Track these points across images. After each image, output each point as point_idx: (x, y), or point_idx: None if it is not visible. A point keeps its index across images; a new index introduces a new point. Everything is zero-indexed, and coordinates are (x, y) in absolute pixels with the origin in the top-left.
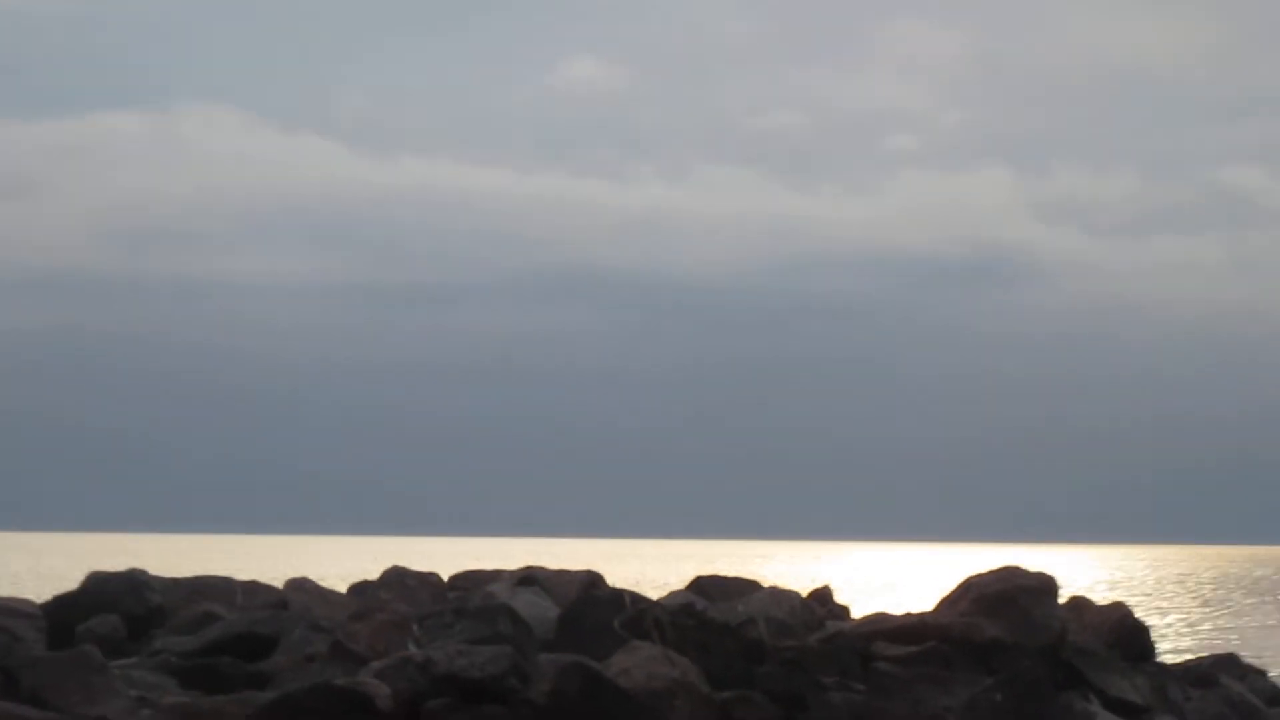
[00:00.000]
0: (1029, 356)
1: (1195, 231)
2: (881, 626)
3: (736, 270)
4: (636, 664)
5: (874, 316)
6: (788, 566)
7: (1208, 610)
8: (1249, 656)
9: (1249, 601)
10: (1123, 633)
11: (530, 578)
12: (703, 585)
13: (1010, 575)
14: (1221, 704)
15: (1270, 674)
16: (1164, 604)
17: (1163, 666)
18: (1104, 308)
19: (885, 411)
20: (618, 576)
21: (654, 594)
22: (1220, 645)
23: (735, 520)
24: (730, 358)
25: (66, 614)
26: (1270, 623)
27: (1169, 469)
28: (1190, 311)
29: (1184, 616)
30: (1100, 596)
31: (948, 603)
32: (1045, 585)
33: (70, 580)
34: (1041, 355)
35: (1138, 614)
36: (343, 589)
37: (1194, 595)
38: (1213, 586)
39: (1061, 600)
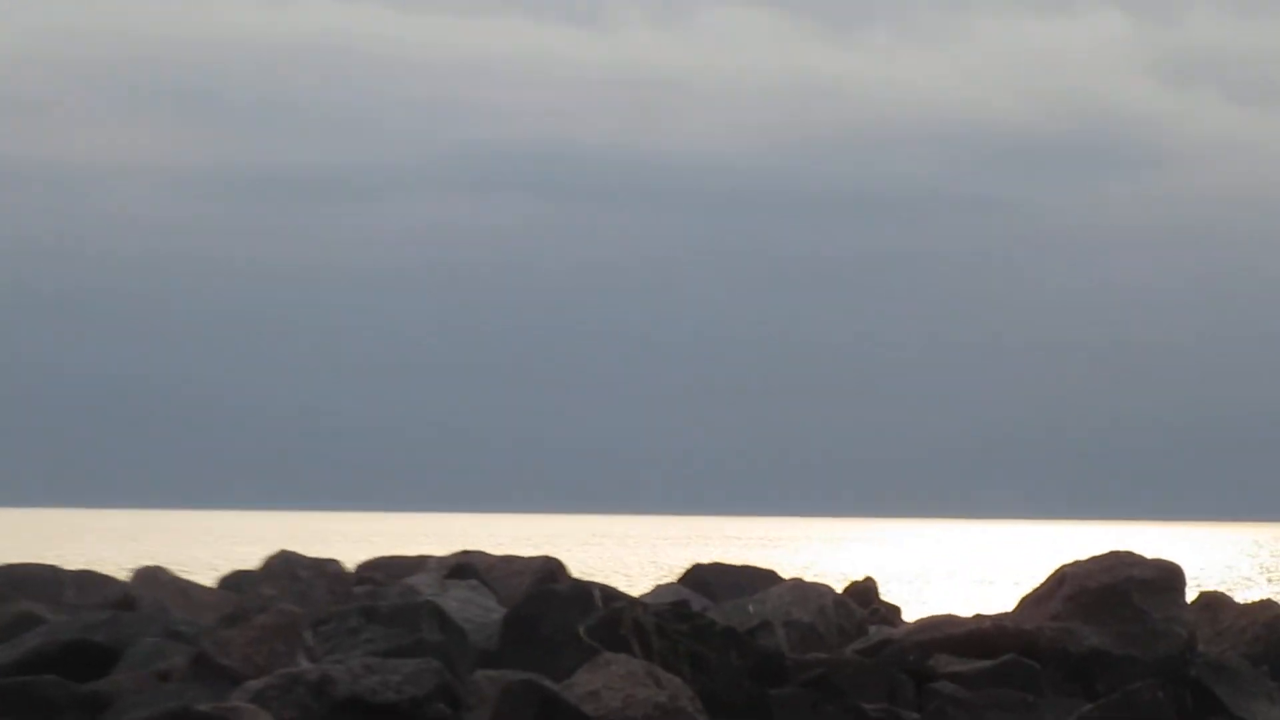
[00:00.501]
0: (1151, 265)
1: None
2: (943, 634)
3: (753, 150)
4: (609, 684)
5: (941, 211)
6: (812, 551)
7: None
8: None
9: None
10: (1273, 641)
11: (466, 566)
12: (702, 577)
13: (1119, 563)
14: None
15: None
16: None
17: None
18: (1258, 199)
19: (941, 336)
20: (585, 564)
21: (635, 589)
22: None
23: (742, 491)
24: (744, 264)
25: None
26: None
27: None
28: None
29: None
30: (1240, 591)
31: (1033, 600)
32: (1168, 577)
33: None
34: (1169, 263)
35: None
36: (211, 581)
37: None
38: None
39: (1189, 597)
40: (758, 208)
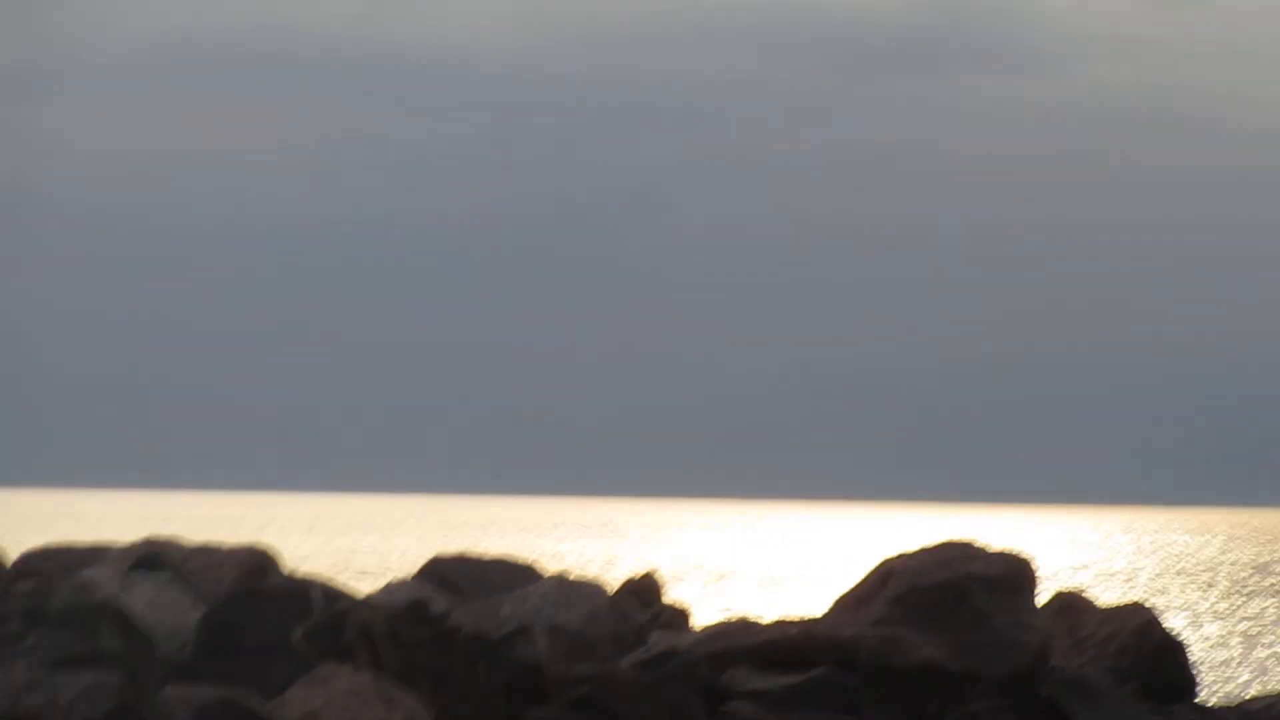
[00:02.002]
0: (1005, 186)
1: None
2: (741, 643)
3: (524, 46)
4: (330, 702)
5: (771, 115)
6: (584, 540)
7: (1265, 608)
8: None
9: None
10: (1143, 653)
11: (155, 557)
12: (444, 571)
13: (957, 557)
14: None
15: None
16: (1196, 598)
17: (1203, 710)
18: (1146, 107)
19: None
20: (314, 555)
21: (367, 586)
22: None
23: (499, 465)
24: (536, 179)
25: None
26: None
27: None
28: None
29: (1229, 620)
30: (1104, 590)
31: (851, 601)
32: (1015, 573)
33: None
34: (1025, 184)
35: (1166, 622)
36: None
37: (1238, 579)
38: (1253, 568)
39: (1042, 598)
40: (533, 110)
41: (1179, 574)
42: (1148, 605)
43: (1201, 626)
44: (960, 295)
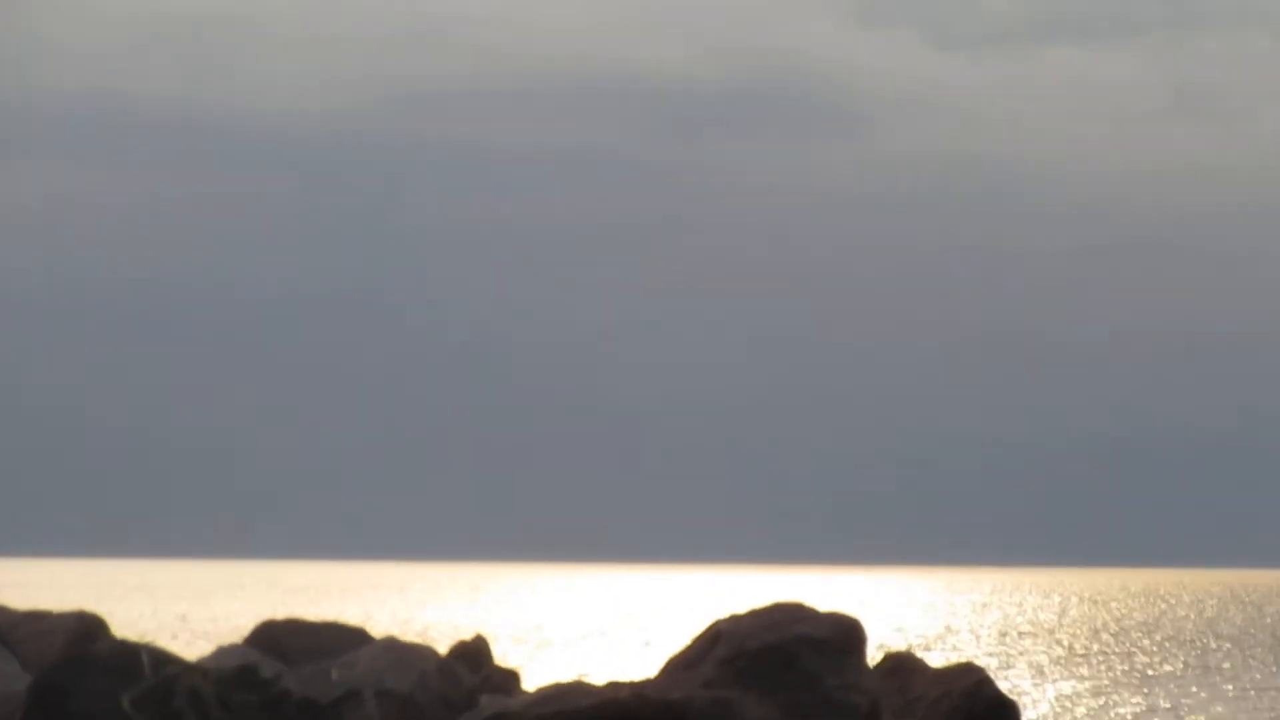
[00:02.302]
0: (838, 245)
1: (1114, 36)
2: (571, 705)
3: (334, 109)
4: None
5: (590, 177)
6: (413, 602)
7: (1108, 669)
8: None
9: (1166, 663)
10: (974, 713)
11: None
12: (273, 635)
13: (786, 618)
14: None
15: None
16: (1033, 658)
17: None
18: (956, 160)
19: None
20: (143, 620)
21: (197, 650)
22: None
23: (330, 529)
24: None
25: None
26: (1201, 690)
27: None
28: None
29: (1069, 679)
30: (937, 650)
31: (681, 663)
32: (845, 634)
33: None
34: (857, 240)
35: (999, 681)
36: None
37: (1076, 642)
38: (1100, 627)
39: (873, 658)
40: (356, 170)
41: (1014, 634)
42: (979, 665)
43: (1037, 686)
44: (789, 332)
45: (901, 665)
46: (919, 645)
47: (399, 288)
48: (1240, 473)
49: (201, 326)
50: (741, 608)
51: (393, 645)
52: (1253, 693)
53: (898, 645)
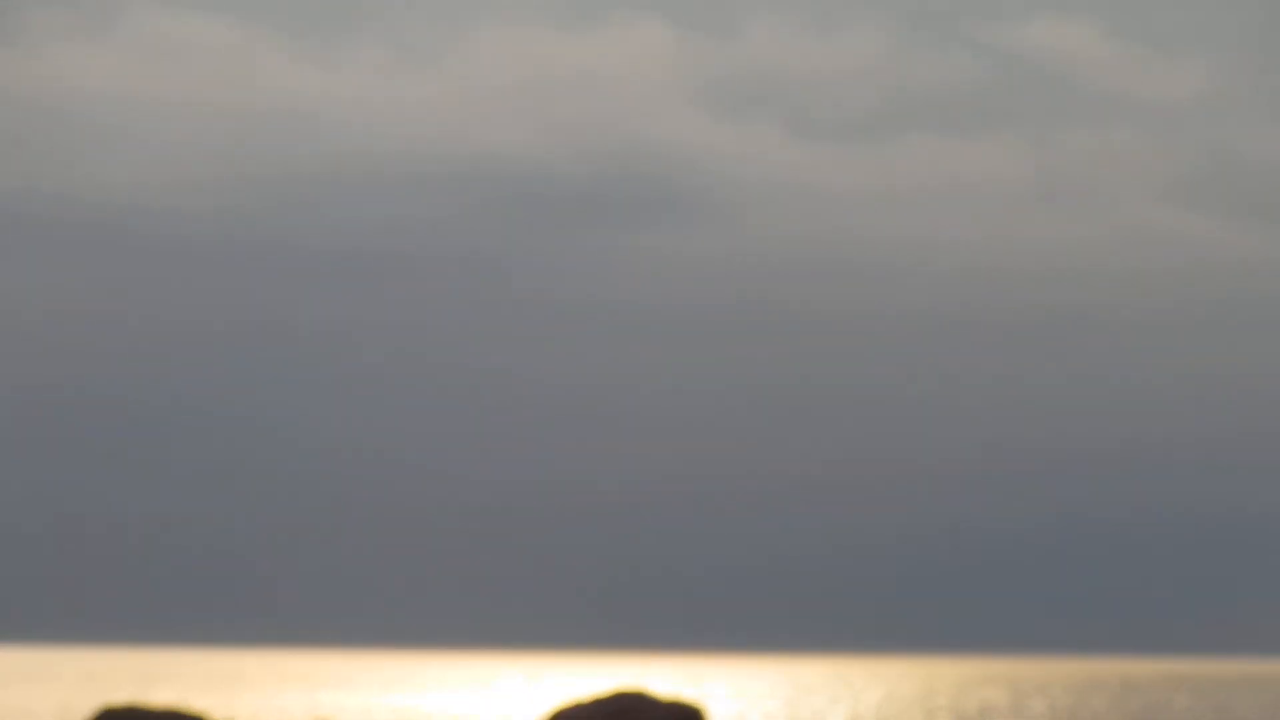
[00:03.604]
0: (700, 337)
1: (977, 127)
2: None
3: (173, 197)
4: None
5: (422, 270)
6: (256, 690)
7: None
8: None
9: None
10: None
11: None
12: None
13: (627, 705)
14: None
15: None
16: None
17: None
18: (823, 255)
19: (441, 435)
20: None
21: None
22: None
23: (178, 614)
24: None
25: None
26: None
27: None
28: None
29: None
30: None
31: None
32: (685, 718)
33: None
34: (723, 330)
35: None
36: None
37: None
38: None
39: None
40: (200, 263)
41: None
42: None
43: None
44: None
45: None
46: None
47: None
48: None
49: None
50: (581, 695)
51: None
52: None
53: None
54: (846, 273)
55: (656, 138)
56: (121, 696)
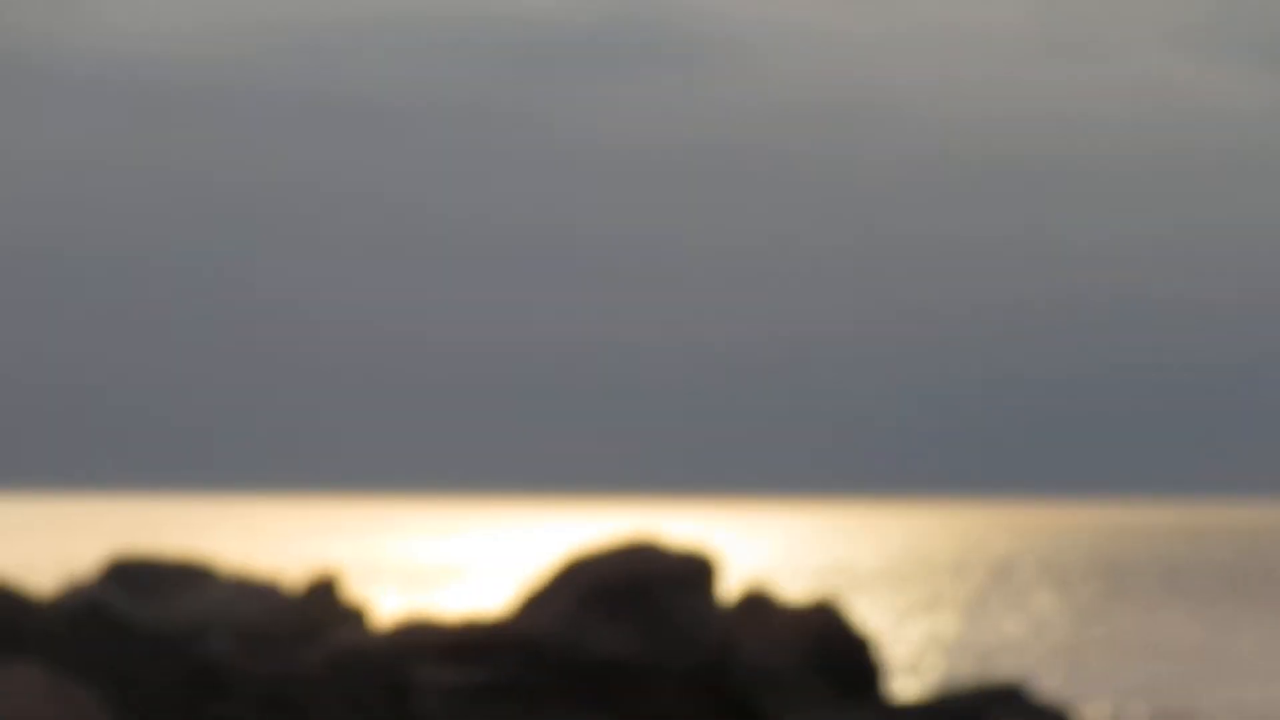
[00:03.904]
0: (706, 182)
1: None
2: (426, 638)
3: (177, 45)
4: (2, 697)
5: (424, 124)
6: (265, 536)
7: (984, 609)
8: (1053, 686)
9: (1047, 593)
10: (828, 647)
11: None
12: (126, 570)
13: (643, 553)
14: None
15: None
16: (905, 597)
17: (892, 705)
18: (839, 103)
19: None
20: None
21: (46, 585)
22: (1003, 667)
23: (180, 459)
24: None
25: None
26: (1082, 628)
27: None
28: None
29: (939, 617)
30: (797, 587)
31: (537, 597)
32: (697, 569)
33: None
34: (730, 175)
35: (853, 617)
36: None
37: (956, 580)
38: (986, 566)
39: (732, 593)
40: (197, 114)
41: (877, 571)
42: (836, 601)
43: (897, 623)
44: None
45: (759, 599)
46: (779, 580)
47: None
48: None
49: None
50: (595, 541)
51: (243, 580)
52: None
53: (762, 580)
54: (857, 118)
55: None
56: (129, 546)
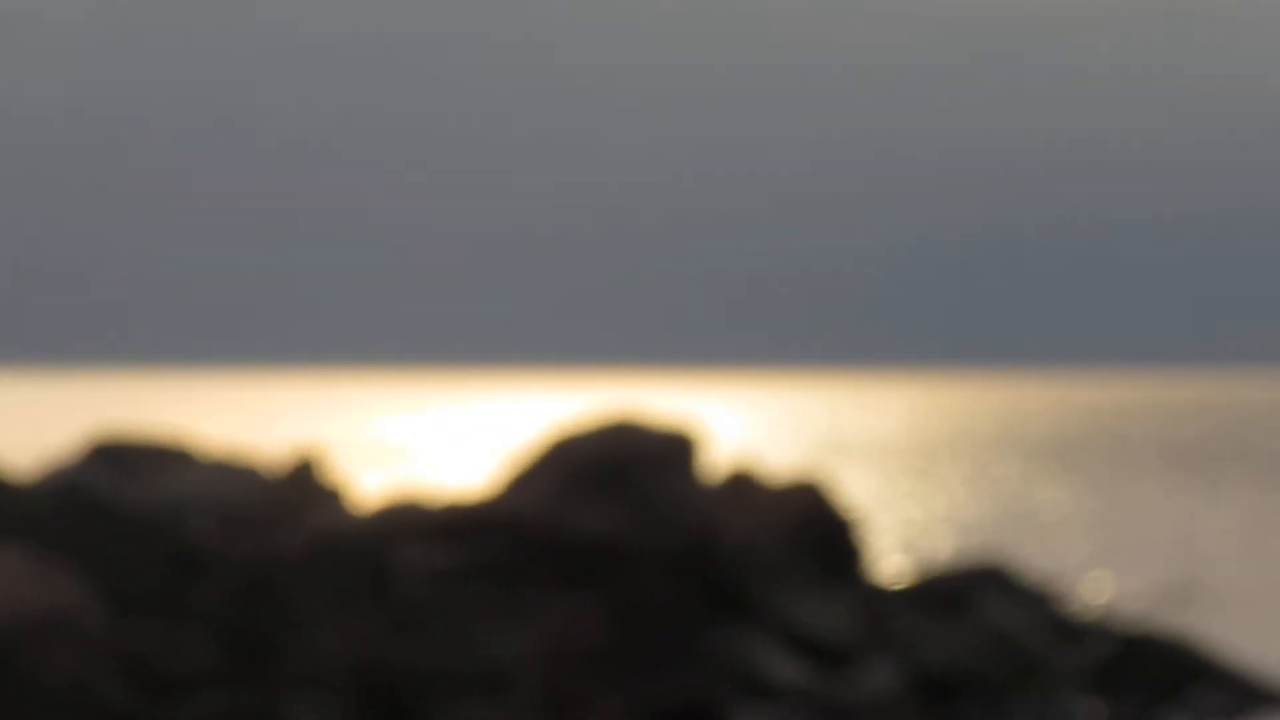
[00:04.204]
0: (681, 28)
1: None
2: (409, 518)
3: None
4: None
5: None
6: (240, 414)
7: (971, 486)
8: (1041, 567)
9: (1029, 470)
10: (812, 527)
11: None
12: (108, 452)
13: (624, 430)
14: (978, 638)
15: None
16: (895, 474)
17: (876, 585)
18: None
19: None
20: None
21: (22, 464)
22: (989, 545)
23: (154, 330)
24: None
25: None
26: (1066, 504)
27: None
28: None
29: (928, 494)
30: (782, 461)
31: (519, 476)
32: (680, 447)
33: None
34: (708, 20)
35: (840, 495)
36: None
37: (946, 457)
38: (976, 442)
39: (718, 470)
40: None
41: (868, 447)
42: (822, 478)
43: (885, 500)
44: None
45: (745, 477)
46: (767, 455)
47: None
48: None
49: None
50: (575, 417)
51: (226, 459)
52: None
53: (748, 457)
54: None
55: None
56: (110, 426)
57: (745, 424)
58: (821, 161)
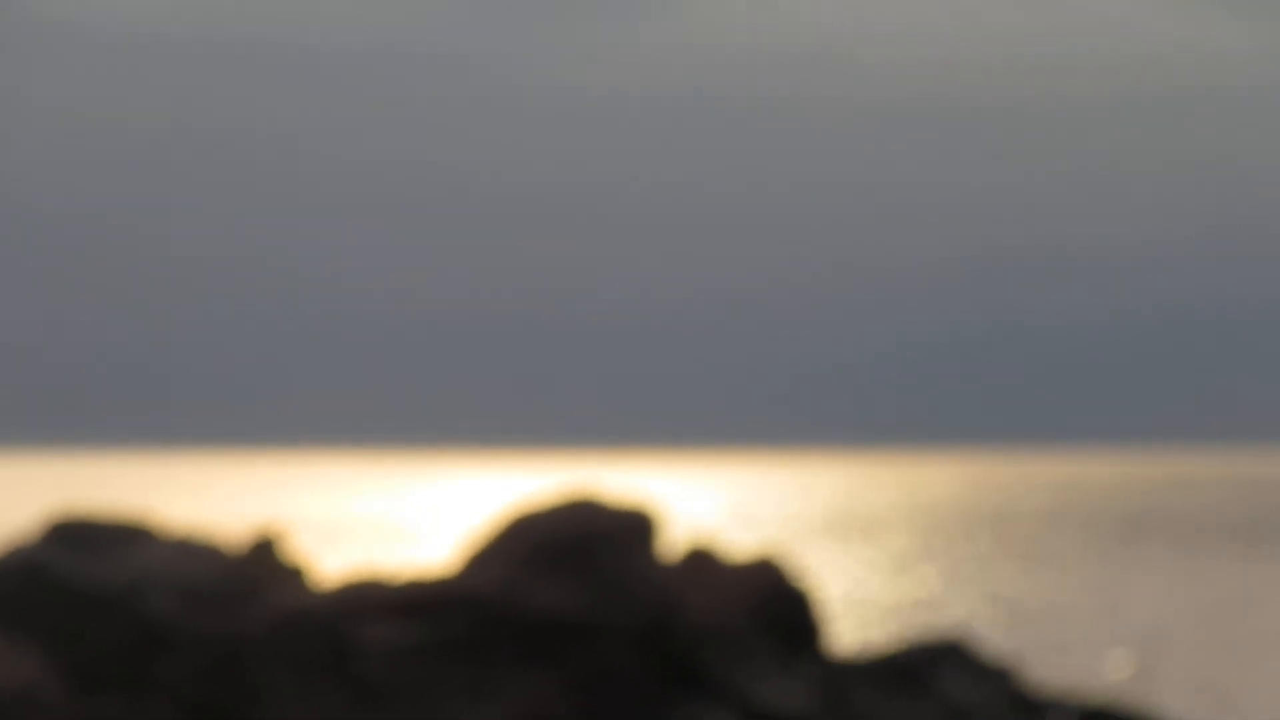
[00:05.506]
0: (658, 130)
1: None
2: (373, 596)
3: None
4: None
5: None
6: (207, 494)
7: (932, 563)
8: (999, 642)
9: (991, 547)
10: (773, 605)
11: None
12: (68, 530)
13: (584, 508)
14: (937, 713)
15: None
16: (852, 551)
17: (835, 661)
18: (791, 49)
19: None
20: None
21: None
22: (947, 623)
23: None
24: None
25: None
26: (1024, 580)
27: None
28: None
29: (886, 571)
30: (744, 541)
31: (484, 554)
32: (640, 526)
33: None
34: (683, 122)
35: (798, 572)
36: None
37: (905, 534)
38: (932, 518)
39: (675, 548)
40: None
41: (826, 524)
42: (781, 555)
43: (843, 577)
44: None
45: (704, 555)
46: (725, 535)
47: None
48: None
49: None
50: (535, 495)
51: (188, 537)
52: None
53: (706, 535)
54: (814, 64)
55: None
56: (71, 505)
57: (709, 503)
58: (773, 261)
